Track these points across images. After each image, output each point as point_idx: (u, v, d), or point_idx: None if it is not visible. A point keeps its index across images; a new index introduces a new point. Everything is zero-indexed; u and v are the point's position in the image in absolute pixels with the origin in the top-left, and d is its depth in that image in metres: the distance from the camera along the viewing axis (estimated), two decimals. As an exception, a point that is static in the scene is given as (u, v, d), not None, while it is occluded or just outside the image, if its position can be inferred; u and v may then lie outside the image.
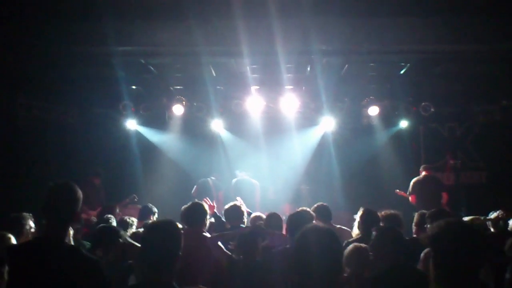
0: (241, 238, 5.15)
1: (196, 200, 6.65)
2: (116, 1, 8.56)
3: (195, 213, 6.05)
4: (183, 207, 6.39)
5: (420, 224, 6.48)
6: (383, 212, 6.77)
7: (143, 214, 8.20)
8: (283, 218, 7.89)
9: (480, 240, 3.06)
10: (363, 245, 5.23)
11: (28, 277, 3.15)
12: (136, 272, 4.68)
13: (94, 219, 9.30)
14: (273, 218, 6.70)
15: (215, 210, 7.23)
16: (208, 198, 7.29)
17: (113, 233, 5.21)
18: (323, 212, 7.00)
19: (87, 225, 8.77)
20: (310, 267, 3.19)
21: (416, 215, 6.93)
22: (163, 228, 3.36)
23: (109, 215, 7.32)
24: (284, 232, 6.85)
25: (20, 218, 5.52)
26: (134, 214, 10.01)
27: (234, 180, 12.44)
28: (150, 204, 8.58)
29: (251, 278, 4.86)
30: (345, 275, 5.05)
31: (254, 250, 5.08)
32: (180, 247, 3.33)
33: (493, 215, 7.24)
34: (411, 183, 11.47)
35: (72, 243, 6.26)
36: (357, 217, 6.68)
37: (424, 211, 7.17)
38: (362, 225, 6.34)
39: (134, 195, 11.44)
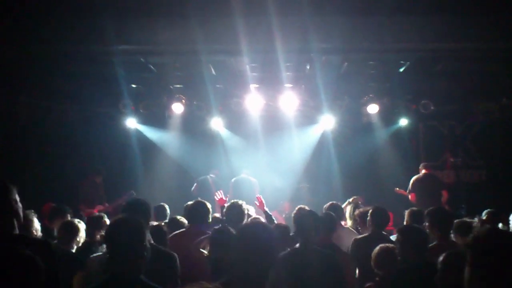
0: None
1: (199, 199, 6.67)
2: (116, 0, 8.57)
3: (198, 211, 6.09)
4: (186, 204, 6.41)
5: (413, 223, 6.42)
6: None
7: (160, 214, 8.06)
8: (283, 216, 7.91)
9: None
10: (390, 245, 5.24)
11: None
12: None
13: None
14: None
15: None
16: (221, 191, 7.41)
17: None
18: (336, 212, 6.98)
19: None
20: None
21: (407, 214, 6.90)
22: (127, 224, 3.45)
23: None
24: None
25: (25, 215, 5.51)
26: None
27: (233, 179, 12.44)
28: (164, 204, 8.44)
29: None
30: (377, 278, 5.10)
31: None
32: (144, 242, 3.40)
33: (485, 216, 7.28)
34: (411, 181, 11.48)
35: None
36: (368, 215, 6.65)
37: (414, 208, 7.19)
38: (373, 224, 6.29)
39: (132, 191, 11.47)
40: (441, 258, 4.08)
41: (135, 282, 3.29)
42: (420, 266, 4.64)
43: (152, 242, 4.65)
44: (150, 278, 3.39)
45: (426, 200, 10.44)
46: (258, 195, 7.62)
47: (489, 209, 7.62)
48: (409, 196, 11.31)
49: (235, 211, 6.28)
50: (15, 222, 3.38)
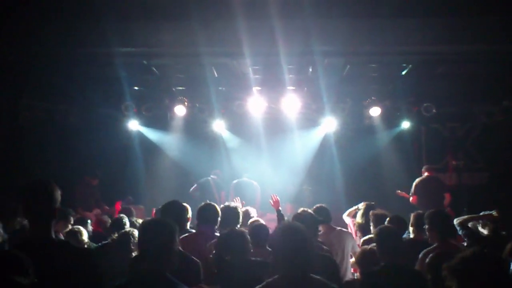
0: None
1: (208, 201, 6.68)
2: (118, 2, 8.60)
3: (208, 213, 6.12)
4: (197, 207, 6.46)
5: (418, 225, 6.42)
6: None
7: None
8: (285, 218, 7.87)
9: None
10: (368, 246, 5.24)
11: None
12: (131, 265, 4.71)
13: (107, 218, 9.23)
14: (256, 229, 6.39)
15: None
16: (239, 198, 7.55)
17: None
18: (322, 214, 6.98)
19: (101, 226, 8.79)
20: (279, 260, 3.51)
21: (412, 216, 6.90)
22: (159, 223, 3.64)
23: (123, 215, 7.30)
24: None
25: None
26: (138, 214, 10.04)
27: (234, 182, 12.44)
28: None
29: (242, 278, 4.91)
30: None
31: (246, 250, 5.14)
32: (175, 242, 3.53)
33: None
34: (414, 183, 11.46)
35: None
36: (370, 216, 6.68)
37: (420, 211, 7.18)
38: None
39: (130, 197, 11.52)
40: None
41: (162, 279, 3.37)
42: (390, 269, 4.52)
43: (180, 248, 4.71)
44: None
45: (429, 202, 10.43)
46: (273, 194, 7.70)
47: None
48: (411, 199, 11.29)
49: (231, 212, 6.36)
50: (51, 228, 3.43)
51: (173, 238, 3.51)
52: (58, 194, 3.46)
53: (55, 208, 3.41)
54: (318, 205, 7.33)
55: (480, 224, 6.89)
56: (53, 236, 3.43)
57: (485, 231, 6.74)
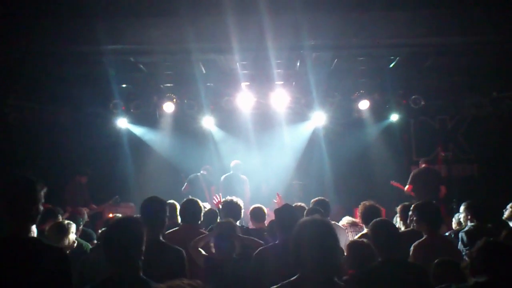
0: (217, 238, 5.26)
1: (190, 197, 6.71)
2: (105, -1, 8.55)
3: (190, 210, 6.10)
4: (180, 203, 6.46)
5: (406, 217, 6.41)
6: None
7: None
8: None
9: None
10: (364, 240, 5.17)
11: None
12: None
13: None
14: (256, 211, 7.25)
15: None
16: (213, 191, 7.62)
17: None
18: (323, 207, 6.99)
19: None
20: (305, 260, 3.20)
21: (399, 208, 6.90)
22: (125, 224, 3.52)
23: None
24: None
25: None
26: (128, 212, 10.00)
27: (223, 176, 12.39)
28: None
29: (229, 276, 4.93)
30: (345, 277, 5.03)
31: (230, 249, 5.16)
32: (143, 242, 3.44)
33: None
34: (412, 174, 11.52)
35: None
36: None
37: (406, 203, 7.22)
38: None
39: (117, 196, 11.51)
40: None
41: (135, 281, 3.32)
42: (385, 265, 4.42)
43: (161, 239, 4.70)
44: (159, 273, 3.41)
45: (424, 192, 10.53)
46: (277, 192, 8.15)
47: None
48: (406, 188, 11.34)
49: (232, 207, 6.48)
50: (30, 226, 3.37)
51: (139, 236, 3.43)
52: (40, 192, 3.40)
53: (34, 207, 3.35)
54: (319, 197, 7.33)
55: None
56: (31, 235, 3.38)
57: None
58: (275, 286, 3.32)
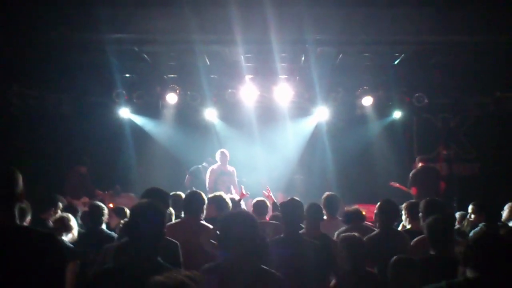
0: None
1: (194, 189, 6.74)
2: (110, -12, 8.53)
3: (193, 202, 6.08)
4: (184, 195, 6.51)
5: (413, 215, 6.38)
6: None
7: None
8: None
9: None
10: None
11: None
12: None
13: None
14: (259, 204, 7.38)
15: None
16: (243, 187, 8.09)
17: None
18: (333, 203, 7.00)
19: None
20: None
21: (405, 206, 6.86)
22: (148, 207, 3.49)
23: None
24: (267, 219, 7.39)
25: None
26: (128, 203, 9.99)
27: (209, 169, 12.12)
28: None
29: None
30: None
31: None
32: (164, 225, 3.48)
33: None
34: (411, 175, 11.38)
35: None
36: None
37: (412, 201, 7.20)
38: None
39: (117, 186, 11.49)
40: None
41: (154, 264, 3.32)
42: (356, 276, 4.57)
43: None
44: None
45: (427, 192, 10.45)
46: (267, 187, 8.31)
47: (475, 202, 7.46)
48: (411, 191, 11.22)
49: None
50: (16, 213, 3.35)
51: (163, 221, 3.48)
52: (19, 180, 3.38)
53: (17, 193, 3.34)
54: (328, 193, 7.26)
55: None
56: (17, 222, 3.35)
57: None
58: (206, 265, 3.58)
